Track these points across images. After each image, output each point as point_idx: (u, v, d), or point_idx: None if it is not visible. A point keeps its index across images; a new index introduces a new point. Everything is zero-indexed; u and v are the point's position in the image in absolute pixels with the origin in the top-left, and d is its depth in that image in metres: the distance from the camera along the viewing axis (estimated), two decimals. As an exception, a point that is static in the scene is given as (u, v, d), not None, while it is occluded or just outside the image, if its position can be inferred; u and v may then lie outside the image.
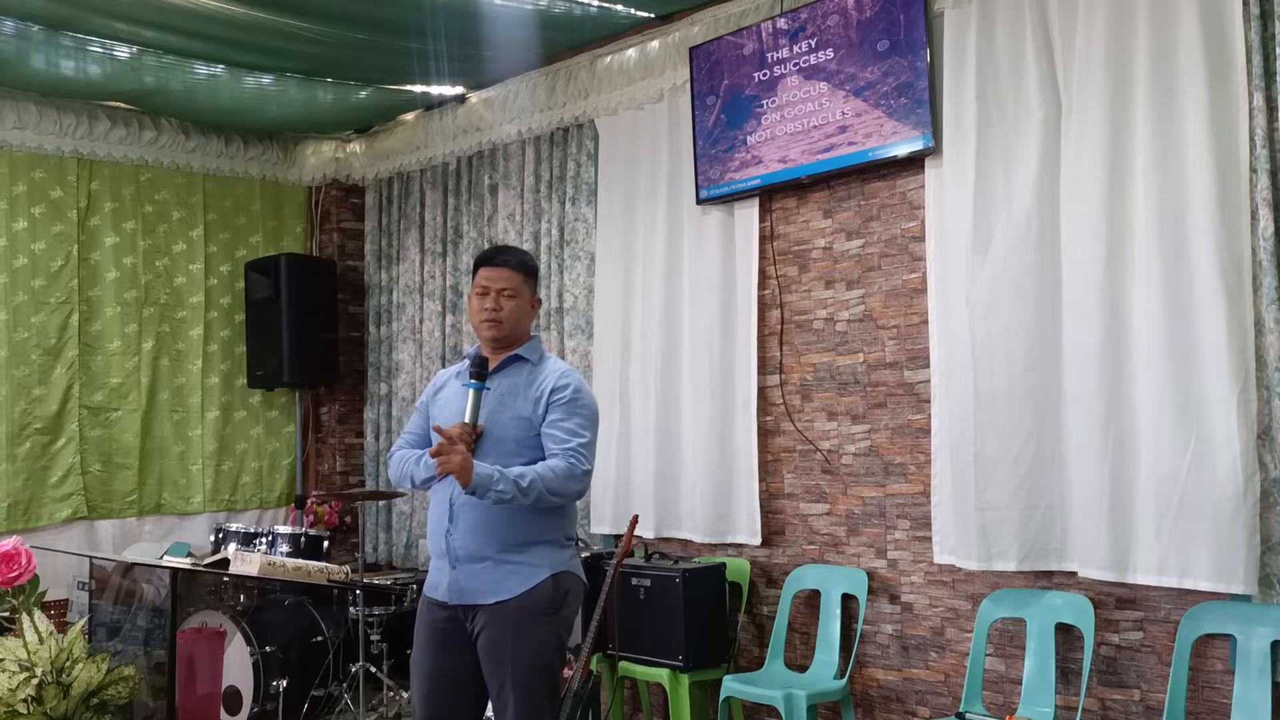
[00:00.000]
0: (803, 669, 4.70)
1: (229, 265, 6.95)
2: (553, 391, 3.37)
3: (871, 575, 4.61)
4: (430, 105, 6.52)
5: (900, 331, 4.58)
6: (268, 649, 5.31)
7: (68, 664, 4.23)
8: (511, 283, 3.45)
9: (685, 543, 5.26)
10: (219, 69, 5.79)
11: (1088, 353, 3.90)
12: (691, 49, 5.15)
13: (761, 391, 5.01)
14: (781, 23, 4.84)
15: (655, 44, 5.38)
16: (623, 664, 4.94)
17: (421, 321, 6.72)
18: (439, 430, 3.25)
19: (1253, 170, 3.59)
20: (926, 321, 4.47)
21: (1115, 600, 3.96)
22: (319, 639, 5.53)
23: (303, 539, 5.87)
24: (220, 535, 5.95)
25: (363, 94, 6.30)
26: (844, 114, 4.63)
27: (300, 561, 5.13)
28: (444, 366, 6.40)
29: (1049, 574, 4.11)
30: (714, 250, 5.15)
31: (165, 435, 6.65)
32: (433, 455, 3.22)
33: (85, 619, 4.97)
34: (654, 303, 5.37)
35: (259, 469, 7.00)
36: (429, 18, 5.00)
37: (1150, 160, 3.77)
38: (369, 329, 7.15)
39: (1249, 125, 3.59)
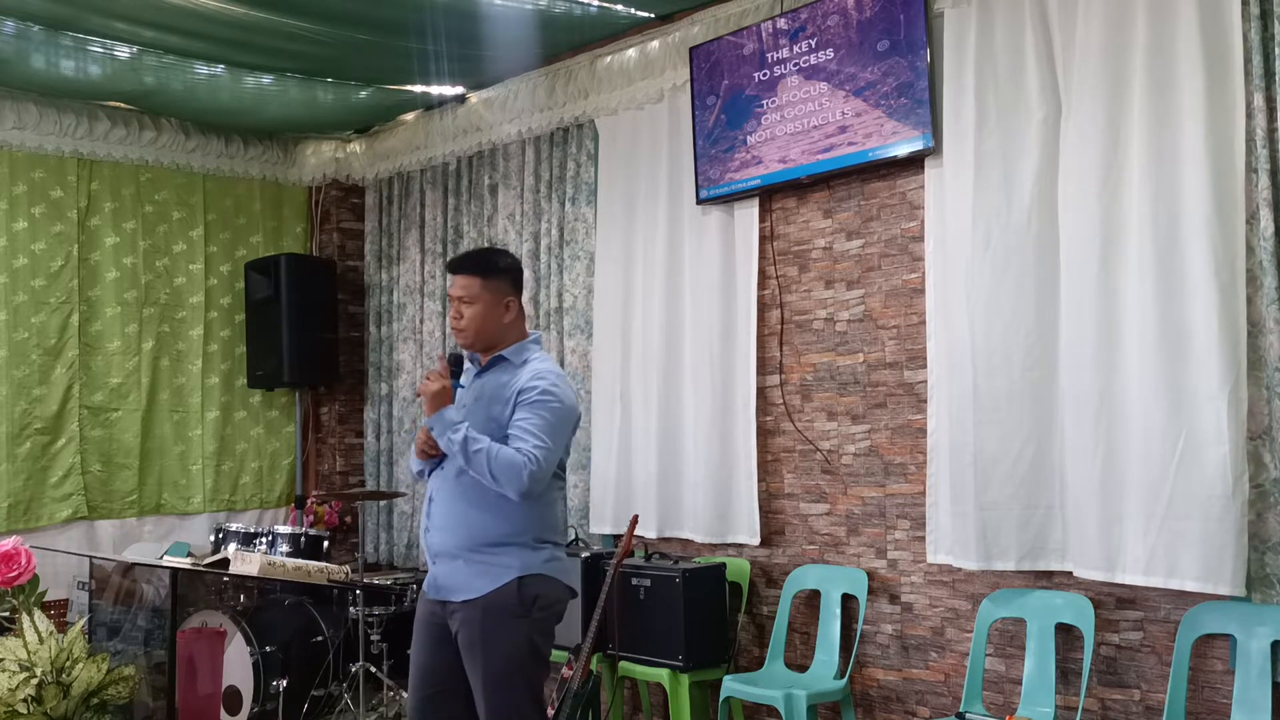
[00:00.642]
0: (803, 669, 4.70)
1: (229, 265, 6.95)
2: (521, 391, 3.37)
3: (871, 575, 4.61)
4: (430, 105, 6.52)
5: (900, 331, 4.58)
6: (268, 649, 5.31)
7: (68, 664, 4.23)
8: (469, 289, 3.44)
9: (685, 542, 5.26)
10: (219, 69, 5.79)
11: (1085, 352, 3.91)
12: (691, 49, 5.15)
13: (761, 391, 5.01)
14: (781, 23, 4.84)
15: (655, 44, 5.37)
16: (623, 664, 4.94)
17: (422, 321, 6.73)
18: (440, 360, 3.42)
19: (1253, 170, 3.59)
20: (926, 321, 4.47)
21: (1115, 600, 3.96)
22: (319, 639, 5.53)
23: (303, 539, 5.87)
24: (220, 535, 5.95)
25: (363, 94, 6.30)
26: (844, 114, 4.63)
27: (300, 561, 5.13)
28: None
29: (1049, 574, 4.11)
30: (714, 250, 5.15)
31: (165, 435, 6.65)
32: (418, 391, 3.37)
33: (85, 619, 4.98)
34: (654, 303, 5.37)
35: (259, 469, 7.00)
36: (429, 18, 5.00)
37: (1147, 160, 3.77)
38: (369, 329, 7.15)
39: (1249, 125, 3.59)
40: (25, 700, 4.11)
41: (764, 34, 4.90)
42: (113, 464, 6.45)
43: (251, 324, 6.89)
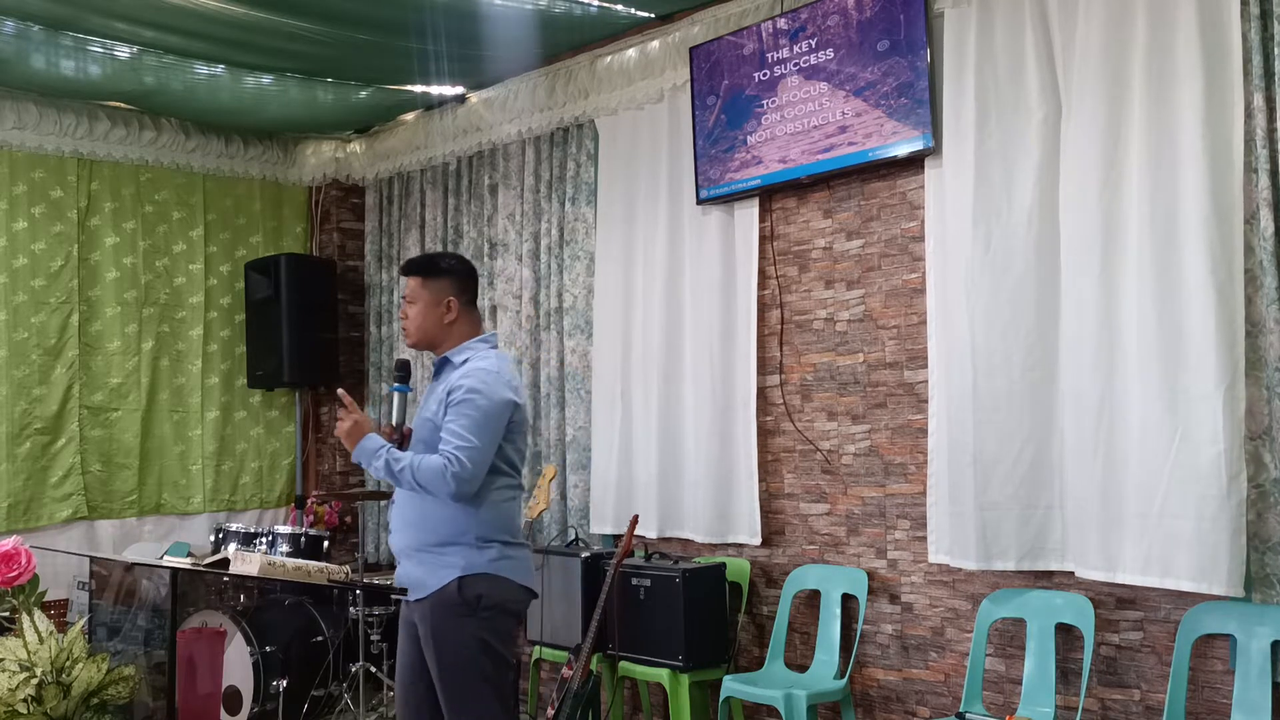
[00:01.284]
0: (803, 669, 4.70)
1: (229, 265, 6.95)
2: (450, 392, 3.45)
3: (871, 575, 4.61)
4: (430, 105, 6.52)
5: (900, 331, 4.58)
6: (268, 649, 5.31)
7: (68, 664, 4.23)
8: (411, 289, 3.62)
9: (685, 542, 5.26)
10: (219, 69, 5.79)
11: (1084, 352, 3.91)
12: (691, 49, 5.15)
13: (761, 391, 5.01)
14: (781, 23, 4.84)
15: (655, 44, 5.37)
16: (623, 664, 4.94)
17: (421, 321, 6.72)
18: (339, 395, 3.59)
19: (1253, 170, 3.59)
20: (926, 321, 4.47)
21: (1115, 600, 3.96)
22: (319, 639, 5.53)
23: (303, 539, 5.87)
24: (220, 535, 5.95)
25: (363, 94, 6.30)
26: (844, 114, 4.63)
27: (300, 561, 5.12)
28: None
29: (1049, 574, 4.11)
30: (714, 250, 5.15)
31: (165, 435, 6.65)
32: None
33: (85, 619, 4.97)
34: (654, 303, 5.37)
35: (259, 469, 7.00)
36: (429, 18, 5.00)
37: (1147, 159, 3.77)
38: (369, 329, 7.15)
39: (1249, 125, 3.59)
40: (25, 700, 4.11)
41: (764, 34, 4.90)
42: (113, 464, 6.45)
43: (251, 324, 6.89)
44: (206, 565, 4.93)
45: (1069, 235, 3.99)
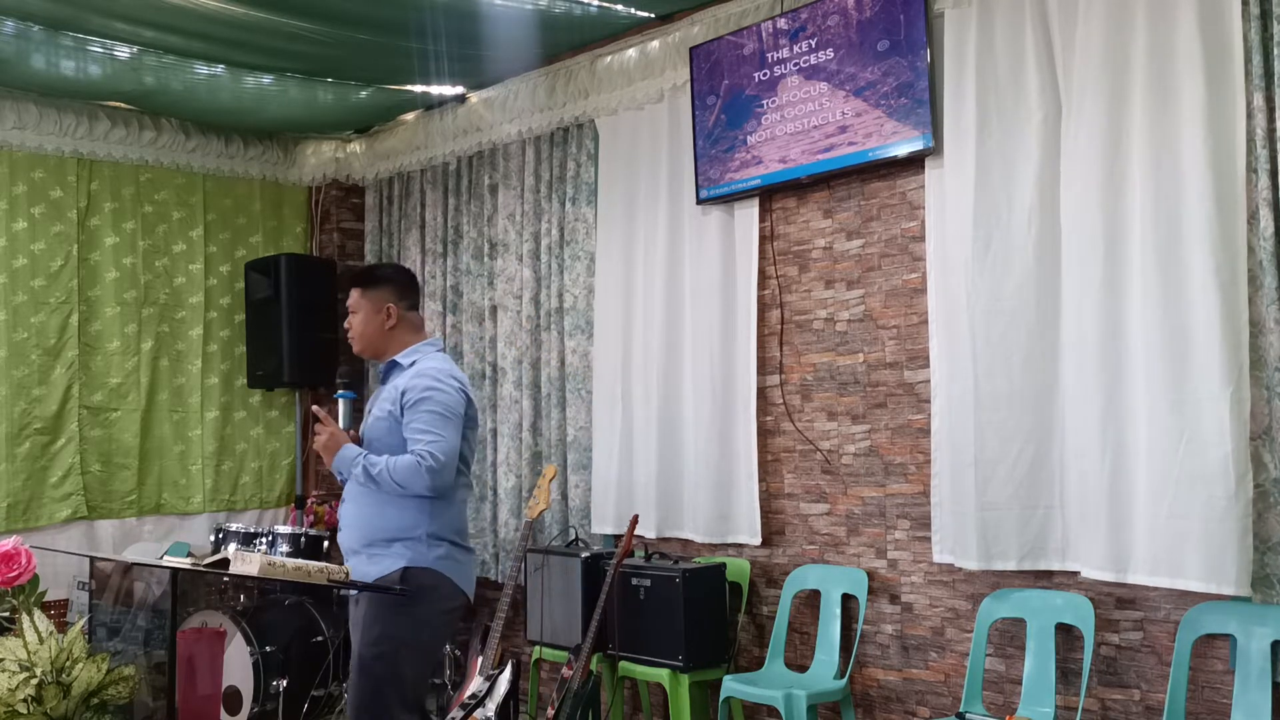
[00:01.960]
0: (803, 669, 4.70)
1: (229, 265, 6.95)
2: (404, 393, 3.56)
3: (871, 575, 4.62)
4: (430, 105, 6.52)
5: (900, 331, 4.59)
6: (268, 649, 5.32)
7: (68, 664, 4.23)
8: (352, 300, 3.77)
9: (685, 542, 5.26)
10: (219, 69, 5.79)
11: (1086, 352, 3.91)
12: (691, 49, 5.15)
13: (761, 391, 5.01)
14: (781, 23, 4.84)
15: (655, 44, 5.37)
16: (623, 664, 4.94)
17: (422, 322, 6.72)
18: (313, 412, 3.68)
19: (1252, 170, 3.59)
20: (926, 321, 4.47)
21: (1115, 600, 3.96)
22: (319, 639, 5.53)
23: (303, 539, 5.87)
24: (220, 535, 5.95)
25: (363, 94, 6.30)
26: (844, 114, 4.63)
27: (300, 561, 5.10)
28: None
29: (1049, 574, 4.11)
30: (714, 250, 5.15)
31: (165, 435, 6.64)
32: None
33: (85, 619, 4.97)
34: (654, 303, 5.37)
35: (259, 469, 7.00)
36: (429, 18, 5.00)
37: (1148, 160, 3.77)
38: (369, 329, 7.14)
39: (1249, 125, 3.59)
40: (25, 700, 4.11)
41: (764, 34, 4.90)
42: (112, 464, 6.45)
43: (251, 324, 6.89)
44: (206, 565, 4.93)
45: (1070, 236, 3.99)
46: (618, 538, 5.32)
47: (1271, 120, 3.56)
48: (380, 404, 3.66)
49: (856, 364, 4.73)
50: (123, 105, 6.41)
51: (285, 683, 5.21)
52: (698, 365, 5.19)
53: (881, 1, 4.49)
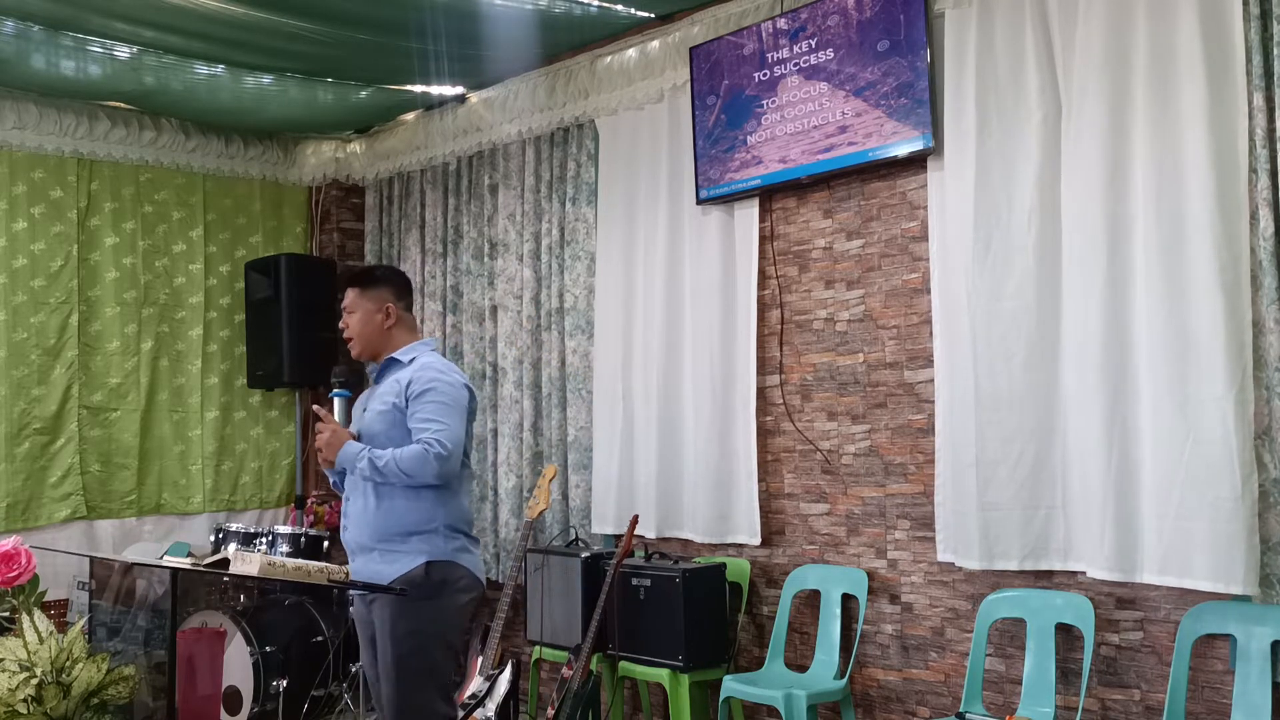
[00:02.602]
0: (803, 669, 4.70)
1: (229, 265, 6.95)
2: (409, 385, 3.58)
3: (871, 575, 4.62)
4: (430, 105, 6.52)
5: (900, 331, 4.59)
6: (268, 649, 5.31)
7: (68, 664, 4.23)
8: (350, 300, 3.78)
9: (685, 542, 5.26)
10: (219, 69, 5.79)
11: (1089, 352, 3.90)
12: (691, 49, 5.15)
13: (761, 391, 5.01)
14: (781, 23, 4.84)
15: (655, 44, 5.37)
16: (623, 664, 4.94)
17: (422, 322, 6.72)
18: (314, 411, 3.67)
19: (1252, 170, 3.59)
20: (927, 321, 4.47)
21: (1115, 600, 3.96)
22: (319, 639, 5.53)
23: (303, 539, 5.87)
24: (220, 535, 5.95)
25: (363, 94, 6.30)
26: (844, 114, 4.63)
27: (300, 561, 5.11)
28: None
29: (1050, 574, 4.11)
30: (714, 250, 5.15)
31: (165, 435, 6.64)
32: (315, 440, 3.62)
33: (85, 619, 4.97)
34: (654, 303, 5.37)
35: (259, 469, 7.00)
36: (429, 18, 5.00)
37: (1150, 160, 3.77)
38: (369, 329, 7.14)
39: (1249, 125, 3.59)
40: (25, 700, 4.11)
41: (764, 34, 4.90)
42: (112, 464, 6.45)
43: (251, 324, 6.89)
44: (206, 565, 4.93)
45: (1072, 236, 3.99)
46: (618, 538, 5.32)
47: (1271, 120, 3.56)
48: (379, 399, 3.66)
49: (856, 364, 4.73)
50: (123, 105, 6.41)
51: (285, 683, 5.21)
52: (698, 365, 5.19)
53: (881, 1, 4.49)
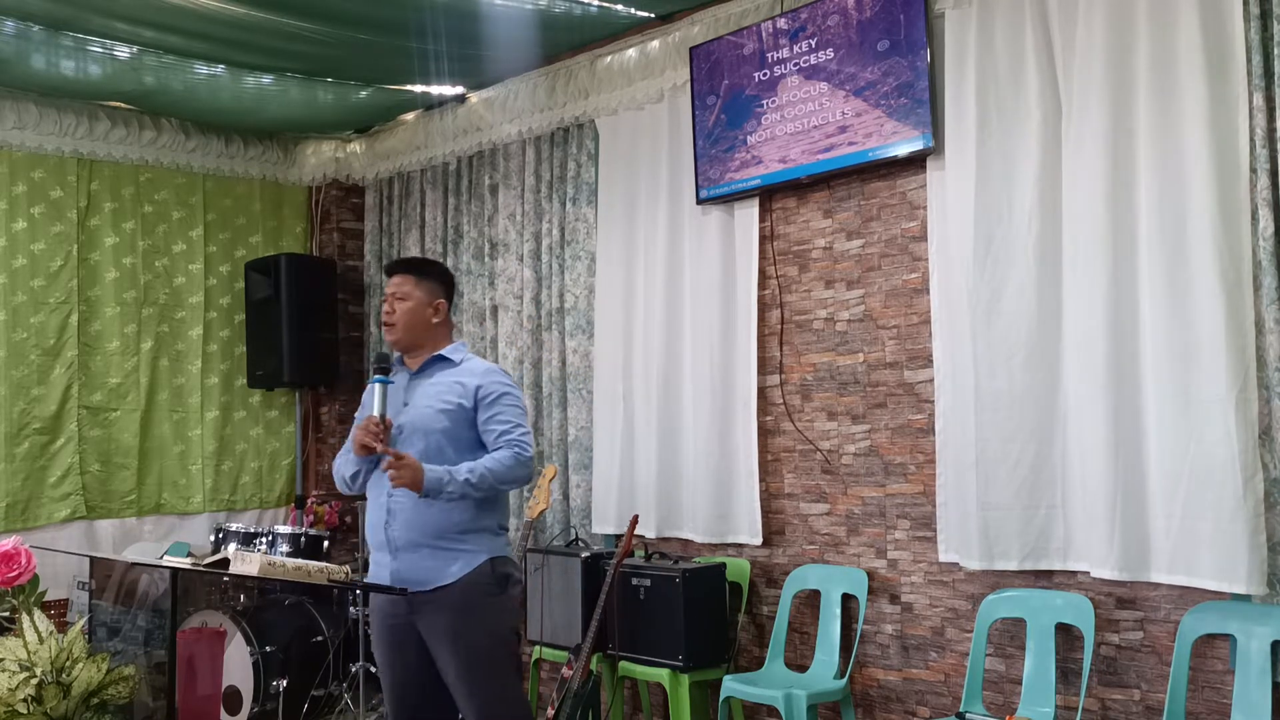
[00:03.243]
0: (803, 669, 4.70)
1: (229, 265, 6.95)
2: (479, 389, 3.55)
3: (871, 575, 4.61)
4: (430, 105, 6.52)
5: (900, 331, 4.59)
6: (268, 649, 5.31)
7: (68, 664, 4.23)
8: (403, 287, 3.66)
9: (686, 542, 5.26)
10: (219, 69, 5.79)
11: (1091, 353, 3.90)
12: (691, 49, 5.15)
13: (761, 391, 5.01)
14: (781, 23, 4.84)
15: (655, 44, 5.37)
16: (623, 664, 4.94)
17: (421, 321, 6.72)
18: (361, 427, 3.51)
19: (1252, 170, 3.59)
20: (926, 321, 4.48)
21: (1115, 600, 3.96)
22: (319, 639, 5.53)
23: (303, 539, 5.87)
24: (220, 535, 5.95)
25: (363, 94, 6.30)
26: (844, 114, 4.63)
27: (300, 561, 5.11)
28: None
29: (1049, 574, 4.11)
30: (714, 250, 5.15)
31: (164, 435, 6.64)
32: (385, 470, 3.42)
33: (85, 619, 4.97)
34: (655, 303, 5.37)
35: (259, 469, 7.00)
36: (429, 18, 5.00)
37: (1150, 160, 3.77)
38: (369, 329, 7.15)
39: (1249, 125, 3.59)
40: (25, 700, 4.11)
41: (764, 34, 4.90)
42: (111, 464, 6.45)
43: (251, 324, 6.89)
44: (206, 565, 4.93)
45: (1072, 235, 3.99)
46: (618, 538, 5.32)
47: (1271, 120, 3.56)
48: (437, 397, 3.55)
49: (856, 364, 4.73)
50: (123, 105, 6.41)
51: (285, 683, 5.21)
52: (698, 365, 5.19)
53: (881, 1, 4.49)
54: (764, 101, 4.90)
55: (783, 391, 4.97)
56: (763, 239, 5.03)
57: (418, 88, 6.27)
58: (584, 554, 5.14)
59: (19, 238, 6.19)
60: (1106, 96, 3.88)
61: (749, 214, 5.04)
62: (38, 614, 4.29)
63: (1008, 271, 4.13)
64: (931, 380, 4.44)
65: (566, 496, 5.73)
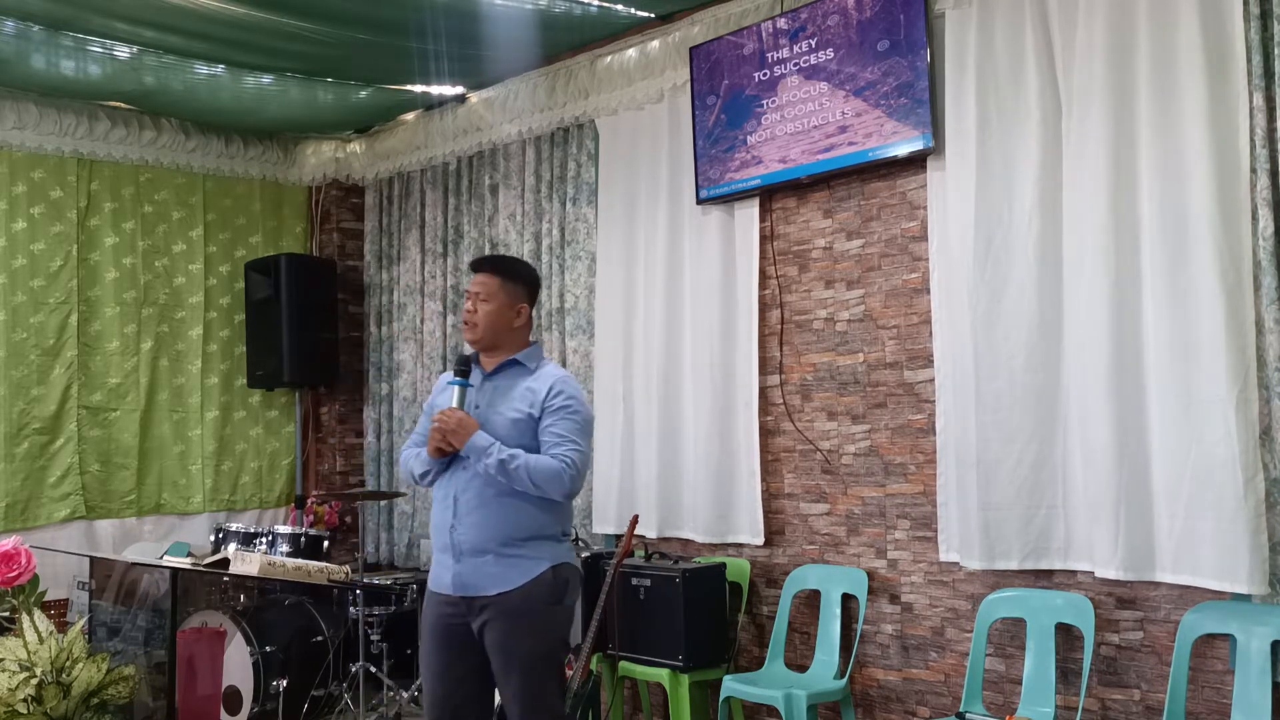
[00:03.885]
0: (803, 669, 4.70)
1: (229, 265, 6.95)
2: (548, 395, 3.48)
3: (871, 575, 4.61)
4: (430, 105, 6.52)
5: (900, 331, 4.59)
6: (268, 649, 5.31)
7: (68, 664, 4.23)
8: (487, 287, 3.55)
9: (686, 542, 5.26)
10: (219, 69, 5.79)
11: (1092, 353, 3.90)
12: (691, 49, 5.15)
13: (762, 391, 5.01)
14: (781, 23, 4.84)
15: (655, 44, 5.38)
16: (623, 664, 4.94)
17: (423, 321, 6.73)
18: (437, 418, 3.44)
19: (1253, 170, 3.59)
20: (926, 321, 4.48)
21: (1115, 600, 3.96)
22: (319, 639, 5.53)
23: (303, 539, 5.87)
24: (220, 535, 5.94)
25: (363, 94, 6.30)
26: (844, 114, 4.63)
27: (300, 561, 5.13)
28: (445, 366, 6.41)
29: (1049, 574, 4.11)
30: (714, 250, 5.15)
31: (164, 435, 6.64)
32: (434, 420, 3.42)
33: (85, 619, 4.97)
34: (655, 303, 5.37)
35: (259, 469, 7.00)
36: (429, 18, 5.00)
37: (1150, 160, 3.77)
38: (369, 329, 7.15)
39: (1249, 125, 3.59)
40: (25, 700, 4.11)
41: (764, 34, 4.90)
42: (111, 464, 6.45)
43: (251, 324, 6.89)
44: (206, 565, 4.93)
45: (1072, 235, 3.99)
46: (618, 537, 5.32)
47: (1271, 120, 3.56)
48: (510, 405, 3.50)
49: (856, 364, 4.73)
50: (123, 105, 6.41)
51: (285, 683, 5.21)
52: (698, 365, 5.19)
53: (881, 1, 4.49)
54: (764, 101, 4.90)
55: (783, 391, 4.97)
56: (763, 239, 5.03)
57: (418, 88, 6.27)
58: (584, 554, 5.13)
59: (19, 238, 6.19)
60: (1107, 96, 3.88)
61: (749, 214, 5.04)
62: (38, 614, 4.29)
63: (1008, 271, 4.13)
64: (932, 380, 4.44)
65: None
